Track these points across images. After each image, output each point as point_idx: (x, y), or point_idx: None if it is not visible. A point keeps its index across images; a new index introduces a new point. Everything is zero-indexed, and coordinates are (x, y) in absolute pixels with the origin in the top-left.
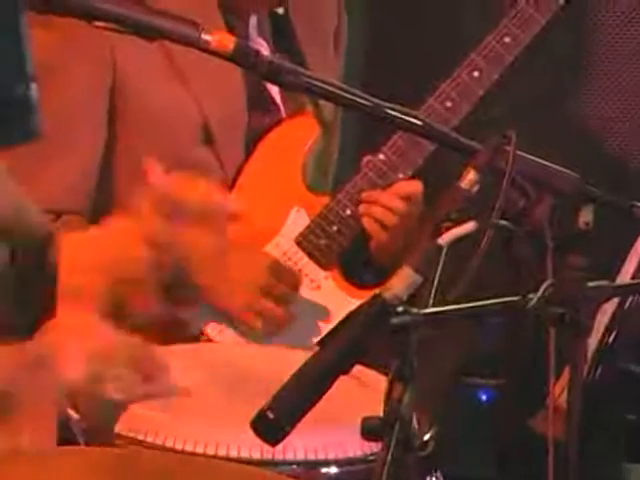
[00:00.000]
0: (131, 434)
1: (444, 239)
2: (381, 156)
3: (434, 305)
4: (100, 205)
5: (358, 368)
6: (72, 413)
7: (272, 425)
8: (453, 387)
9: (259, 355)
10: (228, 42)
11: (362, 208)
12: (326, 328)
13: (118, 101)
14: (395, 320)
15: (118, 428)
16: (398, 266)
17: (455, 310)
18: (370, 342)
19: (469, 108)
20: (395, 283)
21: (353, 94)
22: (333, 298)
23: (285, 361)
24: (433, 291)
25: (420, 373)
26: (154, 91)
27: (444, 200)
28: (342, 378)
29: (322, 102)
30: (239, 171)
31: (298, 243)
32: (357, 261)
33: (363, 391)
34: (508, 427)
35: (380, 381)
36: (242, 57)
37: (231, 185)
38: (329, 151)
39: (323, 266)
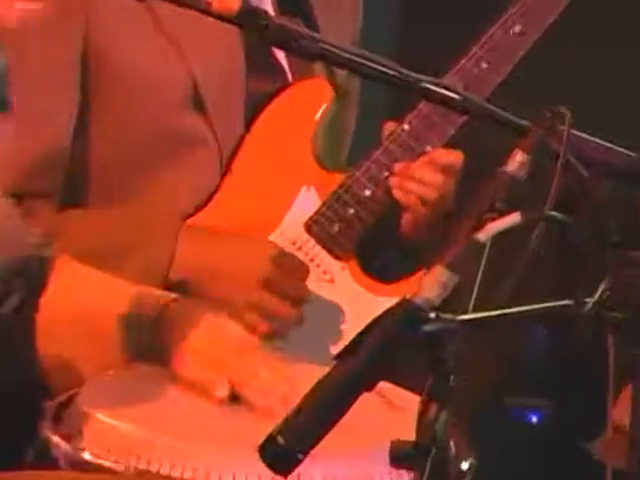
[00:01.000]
0: (121, 459)
1: (485, 233)
2: (405, 126)
3: (473, 310)
4: (75, 184)
5: (384, 385)
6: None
7: (283, 451)
8: (497, 407)
9: None
10: (232, 3)
11: (394, 181)
12: (340, 329)
13: (92, 64)
14: (427, 328)
15: (104, 454)
16: (429, 254)
17: (498, 316)
18: (398, 354)
19: (508, 70)
20: (427, 284)
21: (378, 63)
22: (349, 293)
23: (298, 376)
24: (473, 294)
25: (458, 390)
26: (134, 52)
27: (487, 187)
28: (365, 396)
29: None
30: (238, 144)
31: (308, 229)
32: (378, 250)
33: (390, 412)
34: (561, 453)
35: (410, 400)
36: (248, 20)
37: (229, 159)
38: (344, 119)
39: (338, 256)
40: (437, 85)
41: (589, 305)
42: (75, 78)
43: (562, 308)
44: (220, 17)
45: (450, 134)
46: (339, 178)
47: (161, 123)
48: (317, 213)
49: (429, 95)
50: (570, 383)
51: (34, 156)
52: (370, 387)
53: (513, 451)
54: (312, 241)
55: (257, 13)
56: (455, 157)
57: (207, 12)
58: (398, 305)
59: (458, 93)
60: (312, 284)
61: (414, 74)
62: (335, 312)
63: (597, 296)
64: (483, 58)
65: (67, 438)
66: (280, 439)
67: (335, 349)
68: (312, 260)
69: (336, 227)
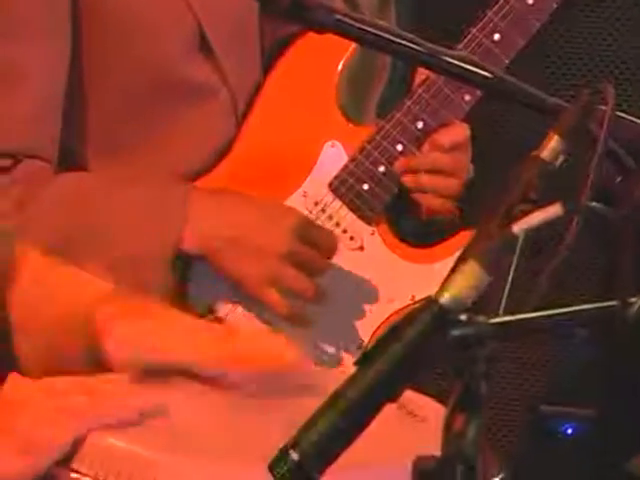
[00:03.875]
0: None
1: (520, 226)
2: None
3: (506, 313)
4: (72, 144)
5: (408, 394)
6: None
7: (297, 469)
8: (529, 418)
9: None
10: None
11: (409, 181)
12: (371, 304)
13: (83, 5)
14: (456, 332)
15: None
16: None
17: (534, 319)
18: (424, 360)
19: (523, 43)
20: (456, 283)
21: (403, 37)
22: (381, 261)
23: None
24: (505, 294)
25: (488, 400)
26: None
27: (519, 175)
28: (388, 407)
29: (365, 2)
30: (255, 93)
31: (334, 189)
32: (411, 211)
33: (414, 424)
34: (599, 470)
35: (436, 411)
36: None
37: (244, 111)
38: (374, 65)
39: (367, 219)
40: (471, 63)
41: (635, 307)
42: (64, 21)
43: (604, 310)
44: None
45: None
46: (368, 132)
47: (162, 71)
48: (343, 171)
49: (461, 75)
50: (612, 392)
51: (22, 114)
52: (395, 398)
53: (547, 467)
54: (338, 203)
55: None
56: (458, 133)
57: None
58: (424, 306)
59: (490, 72)
60: (338, 253)
61: (447, 51)
62: (366, 284)
63: None
64: (497, 28)
65: None
66: (294, 455)
67: (365, 329)
68: (338, 225)
69: (365, 186)
